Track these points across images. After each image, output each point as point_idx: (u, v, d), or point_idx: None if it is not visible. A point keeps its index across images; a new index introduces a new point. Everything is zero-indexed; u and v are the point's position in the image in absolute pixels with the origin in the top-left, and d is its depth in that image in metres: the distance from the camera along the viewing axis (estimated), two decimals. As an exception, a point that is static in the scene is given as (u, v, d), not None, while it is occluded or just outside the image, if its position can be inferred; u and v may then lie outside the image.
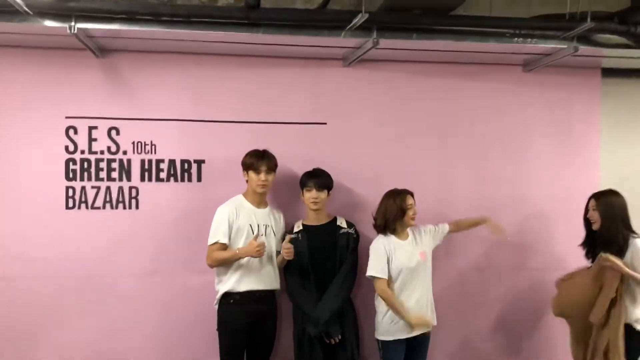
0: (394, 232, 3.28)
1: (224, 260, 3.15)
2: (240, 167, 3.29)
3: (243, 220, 3.21)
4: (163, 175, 3.48)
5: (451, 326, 3.70)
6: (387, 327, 3.24)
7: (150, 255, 3.47)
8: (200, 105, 3.51)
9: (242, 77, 3.54)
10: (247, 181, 3.28)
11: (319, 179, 3.33)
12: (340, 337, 3.23)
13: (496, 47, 3.35)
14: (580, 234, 3.61)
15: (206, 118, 3.50)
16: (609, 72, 3.88)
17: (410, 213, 3.25)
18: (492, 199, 3.75)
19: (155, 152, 3.47)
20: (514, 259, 3.81)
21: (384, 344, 3.26)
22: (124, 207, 3.45)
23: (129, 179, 3.45)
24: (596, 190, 3.76)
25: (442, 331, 3.49)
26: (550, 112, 3.85)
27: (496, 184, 3.78)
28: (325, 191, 3.33)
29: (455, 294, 3.76)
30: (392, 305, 3.19)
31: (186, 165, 3.49)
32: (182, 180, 3.49)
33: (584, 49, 3.28)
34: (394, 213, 3.24)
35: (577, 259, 3.49)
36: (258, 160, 3.24)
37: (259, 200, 3.30)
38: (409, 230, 3.33)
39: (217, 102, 3.52)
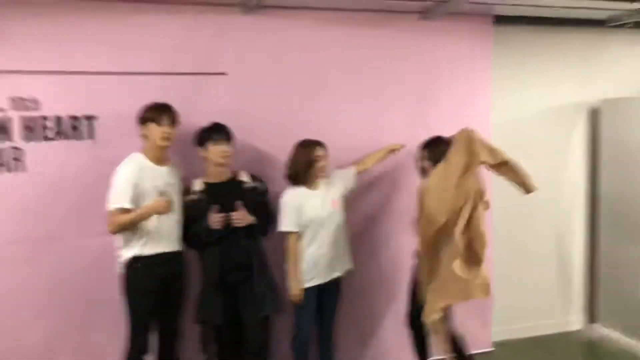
0: (304, 183, 3.28)
1: (129, 223, 2.97)
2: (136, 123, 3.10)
3: (147, 182, 3.03)
4: (50, 133, 3.20)
5: (362, 266, 3.79)
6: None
7: (41, 219, 3.23)
8: (87, 56, 3.23)
9: (134, 25, 3.29)
10: (145, 137, 3.08)
11: (226, 131, 3.20)
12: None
13: (396, -7, 3.35)
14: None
15: (95, 70, 3.24)
16: (500, 20, 4.01)
17: (318, 165, 3.25)
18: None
19: (38, 109, 3.17)
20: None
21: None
22: (8, 170, 3.15)
23: (10, 139, 3.14)
24: (488, 133, 3.99)
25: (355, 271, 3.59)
26: (446, 59, 3.92)
27: (397, 130, 3.83)
28: (232, 145, 3.23)
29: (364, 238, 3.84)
30: (290, 263, 3.27)
31: (75, 122, 3.23)
32: (73, 138, 3.23)
33: (478, -5, 3.37)
34: (303, 164, 3.24)
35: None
36: (160, 112, 3.05)
37: (161, 157, 3.13)
38: (320, 180, 3.35)
39: (106, 52, 3.26)
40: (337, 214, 3.36)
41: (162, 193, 3.03)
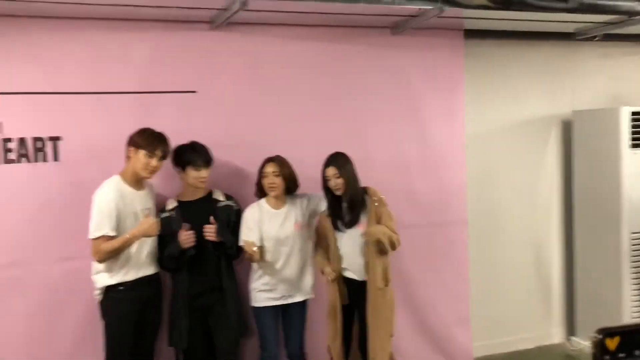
0: (262, 197, 3.27)
1: (116, 250, 2.88)
2: (104, 144, 3.09)
3: (128, 208, 2.95)
4: (12, 156, 3.09)
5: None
6: (256, 295, 3.25)
7: (6, 245, 3.10)
8: (51, 76, 3.14)
9: (100, 43, 3.21)
10: (128, 159, 2.99)
11: (206, 155, 3.15)
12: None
13: (366, 8, 3.31)
14: (447, 187, 3.97)
15: (60, 90, 3.14)
16: (470, 33, 4.03)
17: (265, 182, 3.21)
18: (369, 161, 3.75)
19: (1, 131, 3.06)
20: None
21: (256, 310, 3.27)
22: (-31, 194, 3.04)
23: (-29, 162, 3.03)
24: (462, 147, 4.00)
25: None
26: (419, 73, 3.91)
27: (371, 145, 3.82)
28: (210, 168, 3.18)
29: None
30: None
31: (39, 144, 3.13)
32: (37, 160, 3.13)
33: (448, 10, 3.35)
34: (257, 180, 3.24)
35: (449, 211, 3.88)
36: (156, 145, 2.95)
37: (140, 183, 3.06)
38: (287, 198, 3.29)
39: (71, 71, 3.17)
40: (300, 237, 3.27)
41: (147, 214, 2.98)
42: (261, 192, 3.27)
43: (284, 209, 3.27)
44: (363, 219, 3.19)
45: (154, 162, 2.96)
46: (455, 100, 4.03)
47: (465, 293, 4.12)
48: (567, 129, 4.52)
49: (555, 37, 4.31)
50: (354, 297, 3.22)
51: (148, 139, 2.96)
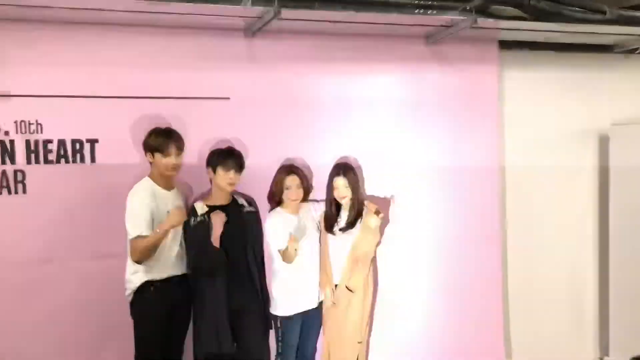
0: (281, 205, 3.30)
1: (149, 247, 2.91)
2: (139, 147, 3.10)
3: (161, 208, 3.00)
4: (52, 156, 3.19)
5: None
6: (284, 303, 3.26)
7: (42, 242, 3.20)
8: (90, 80, 3.23)
9: (137, 49, 3.30)
10: (151, 163, 3.06)
11: (239, 159, 3.17)
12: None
13: (398, 18, 3.33)
14: (480, 200, 3.93)
15: (97, 94, 3.24)
16: (509, 45, 4.01)
17: (287, 193, 3.24)
18: (398, 172, 3.79)
19: (42, 132, 3.17)
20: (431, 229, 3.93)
21: (282, 319, 3.26)
22: (9, 192, 3.14)
23: (13, 162, 3.14)
24: (496, 159, 3.96)
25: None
26: (452, 84, 3.90)
27: (401, 156, 3.82)
28: (241, 173, 3.20)
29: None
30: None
31: (78, 146, 3.23)
32: (74, 161, 3.23)
33: (482, 21, 3.34)
34: (275, 189, 3.27)
35: (479, 226, 3.77)
36: (166, 140, 3.00)
37: (168, 183, 3.12)
38: (295, 206, 3.33)
39: (108, 76, 3.26)
40: (317, 241, 3.35)
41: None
42: (278, 201, 3.30)
43: (301, 214, 3.32)
44: (358, 225, 3.31)
45: (172, 160, 3.01)
46: (489, 111, 4.00)
47: (498, 310, 4.10)
48: (604, 143, 4.41)
49: (593, 49, 4.23)
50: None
51: (157, 140, 3.01)
